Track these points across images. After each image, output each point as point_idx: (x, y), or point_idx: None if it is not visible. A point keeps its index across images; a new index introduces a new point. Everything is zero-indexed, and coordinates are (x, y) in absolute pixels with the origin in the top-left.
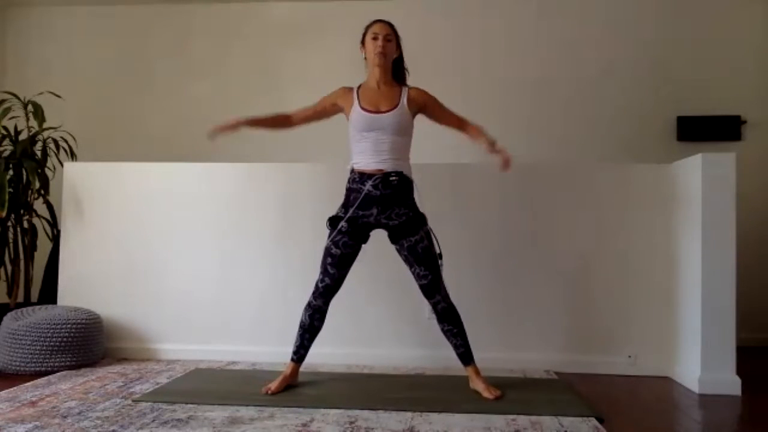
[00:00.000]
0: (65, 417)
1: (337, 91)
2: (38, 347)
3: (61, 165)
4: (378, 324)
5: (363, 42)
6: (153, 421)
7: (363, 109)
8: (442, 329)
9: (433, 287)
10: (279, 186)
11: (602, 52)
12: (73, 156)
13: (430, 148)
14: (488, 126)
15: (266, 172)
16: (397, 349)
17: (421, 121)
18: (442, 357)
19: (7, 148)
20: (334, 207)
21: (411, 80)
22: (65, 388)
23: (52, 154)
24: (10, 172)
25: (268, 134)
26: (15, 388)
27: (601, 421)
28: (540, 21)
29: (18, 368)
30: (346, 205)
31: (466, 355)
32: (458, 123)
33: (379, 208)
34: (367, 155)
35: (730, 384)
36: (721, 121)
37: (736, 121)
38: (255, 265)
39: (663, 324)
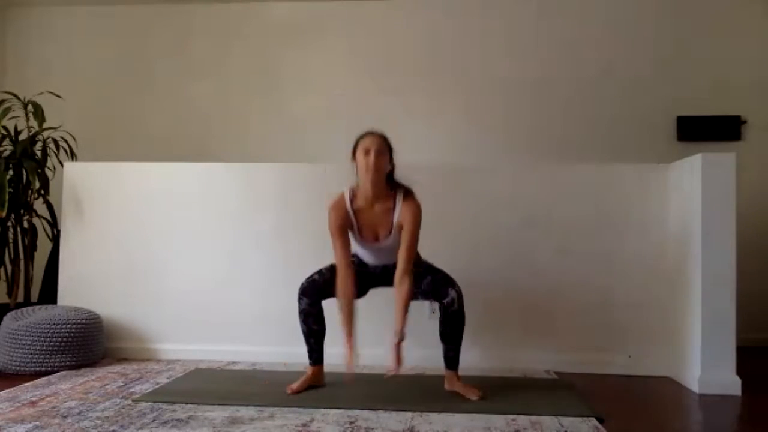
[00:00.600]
0: (65, 417)
1: (334, 217)
2: (38, 347)
3: (61, 165)
4: (378, 324)
5: (354, 155)
6: (153, 421)
7: (363, 238)
8: (442, 331)
9: (444, 283)
10: (279, 186)
11: (602, 52)
12: (73, 156)
13: (431, 148)
14: (489, 127)
15: (266, 172)
16: None
17: (423, 121)
18: (441, 357)
19: (7, 148)
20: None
21: (413, 81)
22: (65, 388)
23: (52, 154)
24: (10, 172)
25: (266, 134)
26: (15, 388)
27: (601, 421)
28: (540, 21)
29: (18, 368)
30: None
31: (453, 360)
32: (403, 260)
33: (380, 278)
34: (365, 257)
35: (730, 384)
36: (721, 121)
37: (736, 121)
38: (255, 265)
39: (663, 324)
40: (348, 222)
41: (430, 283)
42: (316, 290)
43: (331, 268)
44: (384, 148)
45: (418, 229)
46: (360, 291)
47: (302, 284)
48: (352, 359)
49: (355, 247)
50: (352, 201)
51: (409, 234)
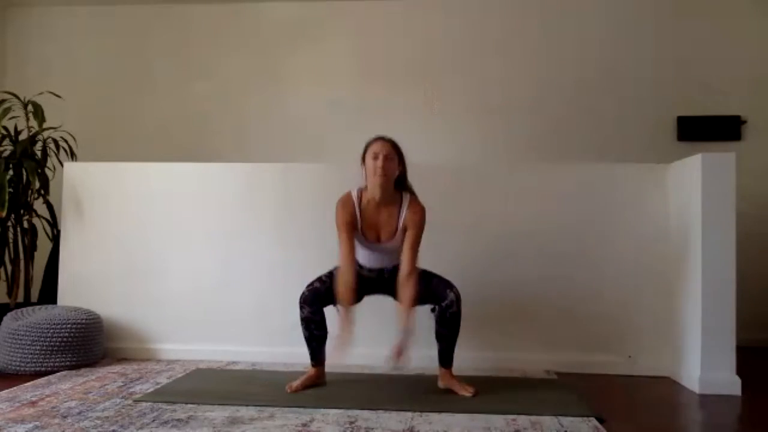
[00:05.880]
0: (65, 417)
1: (341, 212)
2: (38, 347)
3: (61, 165)
4: (378, 324)
5: (363, 159)
6: (153, 421)
7: (365, 237)
8: (438, 331)
9: (443, 286)
10: (279, 186)
11: (602, 52)
12: (73, 156)
13: (431, 148)
14: (488, 127)
15: (266, 172)
16: None
17: (425, 123)
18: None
19: (7, 148)
20: (333, 207)
21: (413, 80)
22: (65, 388)
23: (52, 154)
24: (10, 172)
25: (266, 134)
26: (15, 388)
27: (601, 421)
28: (540, 21)
29: (18, 368)
30: None
31: (447, 358)
32: (407, 260)
33: (375, 284)
34: (366, 259)
35: (730, 384)
36: (721, 121)
37: (736, 121)
38: (255, 265)
39: (663, 324)
40: (354, 219)
41: (430, 286)
42: (317, 298)
43: (330, 275)
44: (393, 153)
45: (422, 232)
46: (363, 289)
47: (303, 293)
48: (344, 344)
49: (356, 248)
50: (359, 200)
51: (413, 236)
